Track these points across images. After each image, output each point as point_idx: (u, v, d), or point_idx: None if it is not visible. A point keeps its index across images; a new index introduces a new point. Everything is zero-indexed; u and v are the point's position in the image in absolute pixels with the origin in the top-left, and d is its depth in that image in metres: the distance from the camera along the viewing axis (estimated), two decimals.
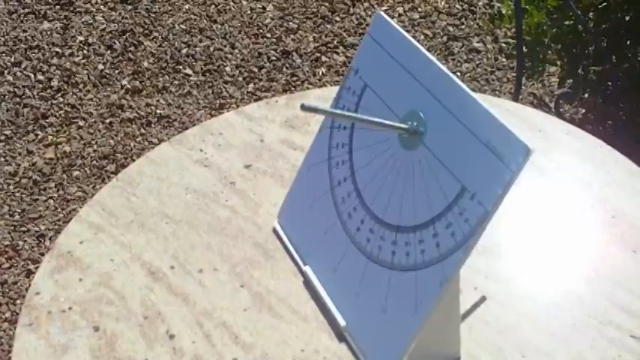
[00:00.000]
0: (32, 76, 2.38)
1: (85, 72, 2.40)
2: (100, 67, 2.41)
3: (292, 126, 1.10)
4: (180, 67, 2.41)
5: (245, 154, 1.06)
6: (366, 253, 0.82)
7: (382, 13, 0.86)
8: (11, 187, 2.09)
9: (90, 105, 2.31)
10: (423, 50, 0.80)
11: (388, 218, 0.81)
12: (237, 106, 2.26)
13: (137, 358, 0.82)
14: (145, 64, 2.41)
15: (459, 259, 0.73)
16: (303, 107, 0.72)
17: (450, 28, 2.37)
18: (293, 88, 2.31)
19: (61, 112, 2.30)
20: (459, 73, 2.24)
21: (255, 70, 2.37)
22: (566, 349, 0.81)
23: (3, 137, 2.23)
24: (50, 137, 2.23)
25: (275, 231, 0.95)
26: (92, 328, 0.86)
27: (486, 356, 0.81)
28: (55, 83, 2.36)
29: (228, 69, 2.39)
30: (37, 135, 2.24)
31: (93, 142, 2.21)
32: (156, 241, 0.95)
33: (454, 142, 0.75)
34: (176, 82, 2.37)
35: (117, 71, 2.40)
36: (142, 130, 2.26)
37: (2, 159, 2.17)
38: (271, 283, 0.90)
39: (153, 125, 2.26)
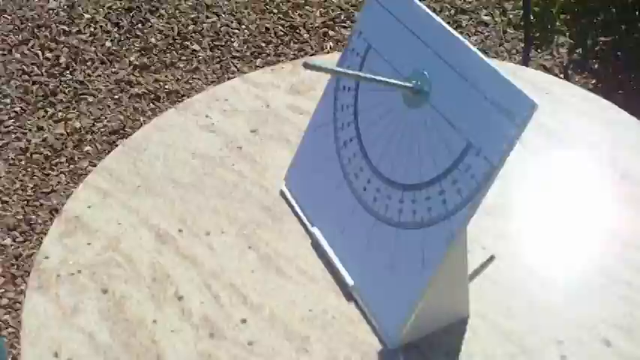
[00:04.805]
0: (40, 53, 2.38)
1: (93, 49, 2.40)
2: (108, 44, 2.41)
3: (298, 91, 1.09)
4: (188, 44, 2.40)
5: (251, 119, 1.06)
6: (373, 212, 0.82)
7: None
8: (23, 162, 2.10)
9: (99, 81, 2.31)
10: (426, 9, 0.80)
11: (394, 177, 0.80)
12: None
13: (146, 319, 0.83)
14: (153, 40, 2.41)
15: (465, 216, 0.72)
16: (307, 65, 0.72)
17: (458, 2, 2.35)
18: (300, 60, 2.30)
19: (70, 88, 2.30)
20: None
21: (263, 44, 2.36)
22: (576, 308, 0.81)
23: (13, 114, 2.24)
24: (60, 113, 2.24)
25: (282, 193, 0.95)
26: (101, 291, 0.86)
27: (495, 315, 0.81)
28: (63, 60, 2.36)
29: (235, 44, 2.39)
30: (46, 111, 2.25)
31: (102, 117, 2.22)
32: (163, 205, 0.95)
33: (459, 99, 0.74)
34: (184, 58, 2.37)
35: (124, 48, 2.40)
36: (152, 105, 2.26)
37: (13, 135, 2.18)
38: (279, 244, 0.90)
39: (162, 100, 2.26)
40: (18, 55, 2.38)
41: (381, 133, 0.83)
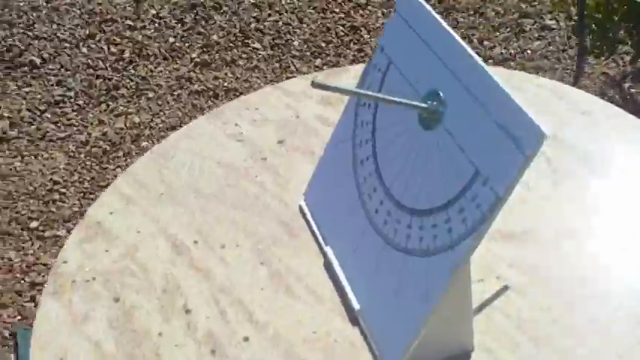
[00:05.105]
0: (106, 48, 2.43)
1: (156, 45, 2.43)
2: (171, 40, 2.44)
3: (329, 102, 1.08)
4: (249, 41, 2.41)
5: (279, 129, 1.05)
6: (382, 235, 0.80)
7: None
8: (82, 155, 2.15)
9: (160, 77, 2.35)
10: (447, 27, 0.77)
11: (405, 201, 0.78)
12: None
13: (152, 330, 0.83)
14: (215, 37, 2.43)
15: (469, 247, 0.70)
16: (314, 84, 0.70)
17: (522, 5, 2.28)
18: (362, 64, 2.28)
19: (132, 83, 2.34)
20: (529, 51, 2.17)
21: (323, 44, 2.35)
22: (588, 352, 0.77)
23: (76, 107, 2.29)
24: (121, 108, 2.28)
25: (301, 208, 0.94)
26: (113, 299, 0.87)
27: (501, 351, 0.77)
28: (127, 55, 2.40)
29: (296, 43, 2.39)
30: (108, 105, 2.29)
31: (161, 113, 2.25)
32: (183, 214, 0.95)
33: (471, 123, 0.72)
34: (244, 55, 2.38)
35: (187, 44, 2.43)
36: (210, 103, 2.28)
37: (75, 128, 2.23)
38: (292, 261, 0.89)
39: (220, 98, 2.28)
40: (85, 50, 2.44)
41: (396, 152, 0.81)
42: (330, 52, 2.33)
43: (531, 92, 1.07)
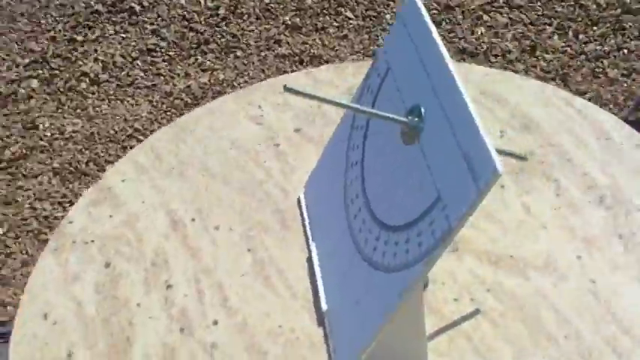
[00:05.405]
0: (203, 2, 2.48)
1: (252, 4, 2.46)
2: (267, 0, 2.46)
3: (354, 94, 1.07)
4: (342, 9, 2.40)
5: (298, 117, 1.05)
6: (355, 242, 0.80)
7: None
8: (164, 105, 2.22)
9: (250, 36, 2.38)
10: (439, 43, 0.75)
11: (378, 213, 0.78)
12: None
13: (132, 300, 0.87)
14: (309, 2, 2.43)
15: (420, 272, 0.69)
16: (286, 89, 0.70)
17: (627, 0, 2.16)
18: (449, 44, 2.23)
19: (223, 40, 2.39)
20: (625, 50, 2.05)
21: None
22: None
23: (167, 57, 2.36)
24: (208, 63, 2.33)
25: (299, 201, 0.95)
26: (104, 264, 0.91)
27: None
28: (222, 12, 2.45)
29: (388, 16, 2.36)
30: (197, 59, 2.35)
31: (245, 73, 2.29)
32: (188, 191, 0.98)
33: (441, 145, 0.70)
34: (335, 23, 2.37)
35: (281, 6, 2.44)
36: (294, 68, 2.29)
37: (162, 78, 2.31)
38: (277, 252, 0.90)
39: (305, 64, 2.29)
40: (182, 1, 2.49)
41: (380, 162, 0.80)
42: None
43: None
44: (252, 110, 1.07)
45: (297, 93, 0.71)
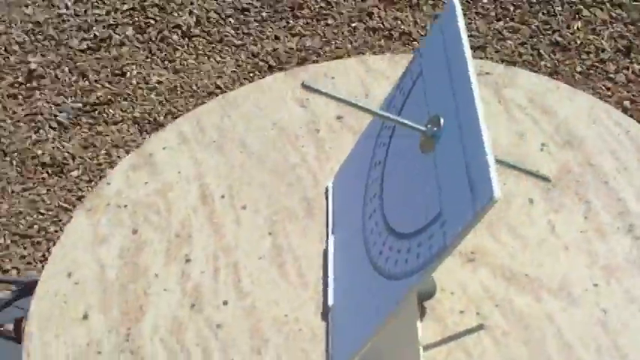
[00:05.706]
0: None
1: None
2: None
3: None
4: None
5: (343, 104, 1.04)
6: (366, 241, 0.79)
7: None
8: (249, 66, 2.24)
9: (343, 6, 2.36)
10: (469, 61, 0.72)
11: (389, 217, 0.77)
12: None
13: (151, 270, 0.89)
14: None
15: (412, 284, 0.68)
16: (304, 86, 0.70)
17: None
18: (541, 36, 2.15)
19: (317, 6, 2.38)
20: None
21: (511, 8, 2.23)
22: None
23: (259, 18, 2.37)
24: (299, 28, 2.33)
25: (327, 190, 0.94)
26: (132, 230, 0.94)
27: None
28: None
29: (485, 0, 2.29)
30: (288, 23, 2.35)
31: (333, 42, 2.27)
32: (223, 166, 0.99)
33: (451, 160, 0.68)
34: (431, 2, 2.32)
35: None
36: (381, 43, 2.27)
37: (251, 38, 2.32)
38: (297, 240, 0.90)
39: (393, 40, 2.26)
40: None
41: (400, 166, 0.79)
42: (516, 16, 2.21)
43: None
44: (299, 92, 1.07)
45: (315, 91, 0.70)
